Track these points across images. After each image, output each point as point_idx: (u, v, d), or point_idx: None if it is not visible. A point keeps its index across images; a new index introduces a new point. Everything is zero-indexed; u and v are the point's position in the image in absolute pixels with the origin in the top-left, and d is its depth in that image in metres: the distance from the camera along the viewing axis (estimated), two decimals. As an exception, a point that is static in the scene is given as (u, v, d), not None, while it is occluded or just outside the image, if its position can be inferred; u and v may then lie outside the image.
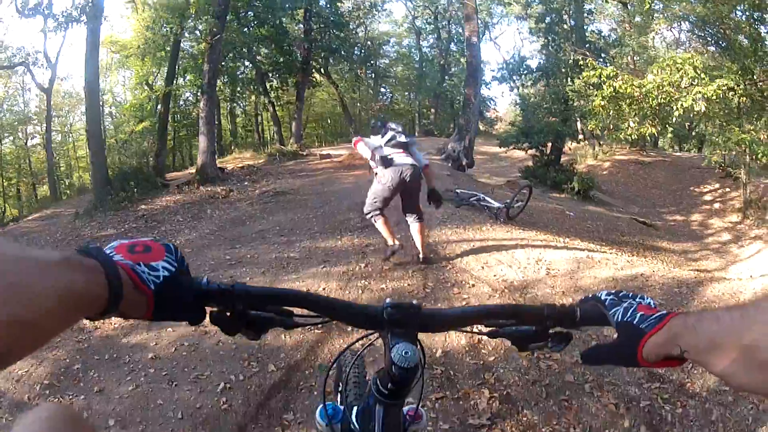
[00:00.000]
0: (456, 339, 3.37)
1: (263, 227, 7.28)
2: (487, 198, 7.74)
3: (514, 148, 16.24)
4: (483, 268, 4.89)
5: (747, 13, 10.12)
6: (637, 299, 0.73)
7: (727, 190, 13.84)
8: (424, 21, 31.83)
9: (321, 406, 1.03)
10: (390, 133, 4.71)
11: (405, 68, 32.93)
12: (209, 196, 10.16)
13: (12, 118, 24.44)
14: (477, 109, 15.31)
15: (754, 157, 9.46)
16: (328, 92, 27.71)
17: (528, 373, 3.03)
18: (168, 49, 14.32)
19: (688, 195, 14.68)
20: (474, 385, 2.95)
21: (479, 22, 16.93)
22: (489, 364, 3.15)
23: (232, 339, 3.37)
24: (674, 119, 9.71)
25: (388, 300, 0.78)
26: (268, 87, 20.51)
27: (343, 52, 21.73)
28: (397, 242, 4.93)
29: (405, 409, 0.95)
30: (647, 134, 10.36)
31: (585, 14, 17.96)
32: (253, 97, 24.20)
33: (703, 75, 8.92)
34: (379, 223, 4.78)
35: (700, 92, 8.58)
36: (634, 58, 19.47)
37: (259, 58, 19.56)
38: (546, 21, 18.85)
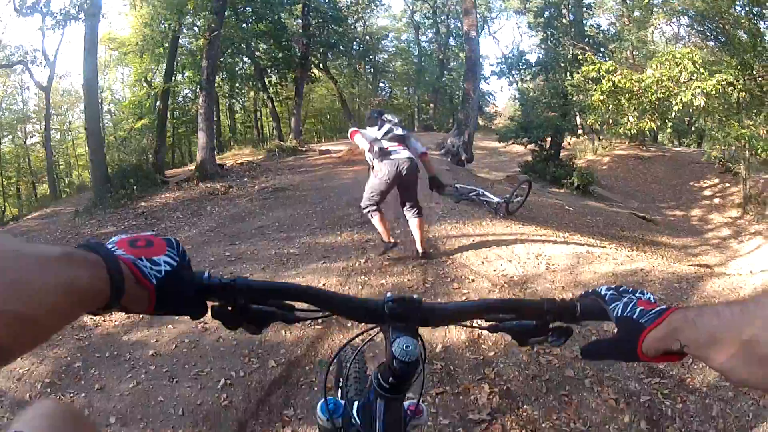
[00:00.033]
0: (456, 334, 3.38)
1: (263, 223, 7.27)
2: (486, 193, 7.72)
3: (514, 143, 16.27)
4: (483, 263, 4.90)
5: (746, 8, 10.11)
6: (637, 294, 0.73)
7: (727, 185, 13.85)
8: (423, 15, 31.83)
9: (322, 401, 1.03)
10: (386, 126, 4.70)
11: (404, 63, 32.92)
12: (209, 192, 10.14)
13: (11, 117, 24.41)
14: (476, 103, 15.28)
15: (753, 152, 9.47)
16: (327, 88, 27.66)
17: (528, 368, 3.04)
18: (166, 45, 14.24)
19: (688, 190, 14.69)
20: (474, 380, 2.96)
21: (478, 16, 16.86)
22: (489, 359, 3.15)
23: (233, 335, 3.37)
24: (673, 114, 9.70)
25: (389, 294, 0.79)
26: (266, 83, 20.47)
27: (341, 47, 21.73)
28: (392, 239, 4.95)
29: (406, 404, 0.95)
30: (647, 129, 10.37)
31: (584, 8, 17.95)
32: (252, 93, 24.15)
33: (702, 70, 8.91)
34: (376, 220, 4.78)
35: (699, 87, 8.58)
36: (633, 52, 19.42)
37: (257, 53, 19.50)
38: (545, 15, 18.85)
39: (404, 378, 0.78)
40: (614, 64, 10.37)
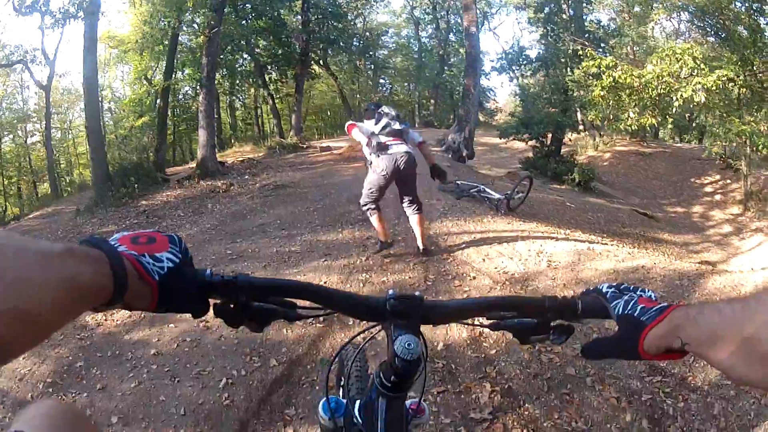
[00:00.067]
0: (457, 332, 3.38)
1: (264, 221, 7.27)
2: (487, 189, 7.72)
3: (514, 139, 16.24)
4: (484, 260, 4.89)
5: (746, 4, 10.11)
6: (638, 292, 0.73)
7: (728, 181, 13.84)
8: (423, 11, 31.73)
9: (323, 400, 1.03)
10: (384, 120, 4.65)
11: (404, 59, 32.84)
12: (210, 190, 10.14)
13: (11, 116, 24.37)
14: (477, 99, 15.28)
15: (754, 148, 9.47)
16: (328, 84, 27.70)
17: (529, 367, 3.04)
18: (166, 43, 14.24)
19: (689, 186, 14.67)
20: (475, 379, 2.96)
21: (478, 12, 16.82)
22: (490, 358, 3.15)
23: (234, 334, 3.38)
24: (674, 110, 9.71)
25: (390, 291, 0.78)
26: (267, 79, 20.50)
27: (341, 43, 21.72)
28: (389, 240, 4.97)
29: (407, 402, 0.95)
30: (647, 125, 10.37)
31: (584, 4, 17.87)
32: (252, 90, 24.18)
33: (702, 65, 8.91)
34: (374, 218, 4.77)
35: (699, 83, 8.58)
36: (634, 48, 19.44)
37: (257, 50, 19.52)
38: (545, 11, 18.76)
39: (406, 376, 0.78)
40: (614, 59, 10.38)
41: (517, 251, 5.11)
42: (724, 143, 11.10)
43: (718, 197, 13.36)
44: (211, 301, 0.68)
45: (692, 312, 0.59)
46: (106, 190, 10.91)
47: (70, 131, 27.93)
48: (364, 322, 0.83)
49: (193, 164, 14.29)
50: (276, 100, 22.14)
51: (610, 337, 0.71)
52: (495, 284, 4.35)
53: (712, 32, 12.10)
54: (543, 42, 20.38)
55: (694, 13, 12.34)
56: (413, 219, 4.83)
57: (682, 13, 14.30)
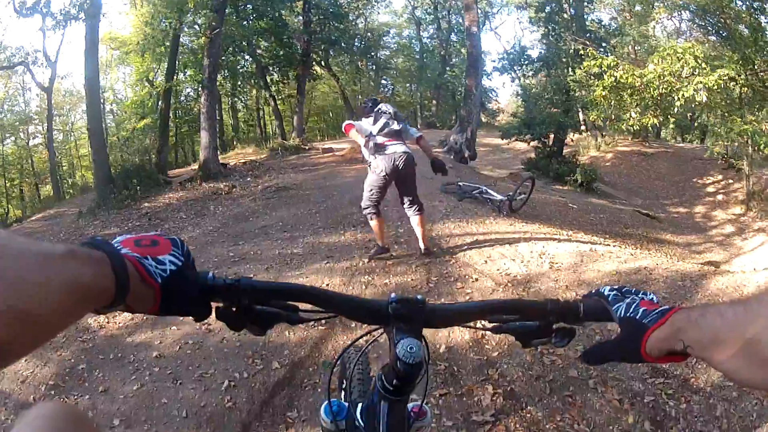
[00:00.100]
0: (459, 335, 3.37)
1: (266, 223, 7.27)
2: (489, 191, 7.71)
3: (516, 140, 16.26)
4: (486, 261, 4.89)
5: (747, 3, 10.09)
6: (640, 295, 0.74)
7: (730, 181, 13.82)
8: (424, 11, 31.77)
9: (325, 403, 1.03)
10: (382, 120, 4.63)
11: (406, 59, 32.88)
12: (212, 192, 10.14)
13: (13, 119, 24.46)
14: (478, 100, 15.27)
15: (756, 148, 9.46)
16: (329, 85, 27.71)
17: (532, 369, 3.03)
18: (167, 44, 14.25)
19: (691, 186, 14.65)
20: (478, 381, 2.96)
21: (479, 11, 16.85)
22: (492, 360, 3.15)
23: (236, 336, 3.38)
24: (676, 109, 9.69)
25: (393, 294, 0.78)
26: (268, 81, 20.47)
27: (343, 44, 21.68)
28: (386, 245, 4.98)
29: (409, 405, 0.95)
30: (649, 125, 10.34)
31: (585, 3, 17.86)
32: (254, 92, 24.19)
33: (703, 65, 8.89)
34: (373, 223, 4.76)
35: (701, 82, 8.56)
36: (635, 47, 19.40)
37: (259, 51, 19.50)
38: (546, 10, 18.75)
39: (408, 380, 0.77)
40: (616, 59, 10.37)
41: (520, 253, 5.11)
42: (726, 143, 11.10)
43: (720, 197, 13.34)
44: (213, 305, 0.68)
45: (694, 314, 0.59)
46: (109, 193, 10.92)
47: (72, 133, 28.00)
48: (367, 325, 0.83)
49: (195, 166, 14.29)
50: (278, 102, 22.12)
51: (612, 340, 0.71)
52: (497, 286, 4.35)
53: (713, 31, 12.09)
54: (544, 41, 20.40)
55: (695, 12, 12.33)
56: (414, 220, 4.82)
57: (683, 12, 14.28)
